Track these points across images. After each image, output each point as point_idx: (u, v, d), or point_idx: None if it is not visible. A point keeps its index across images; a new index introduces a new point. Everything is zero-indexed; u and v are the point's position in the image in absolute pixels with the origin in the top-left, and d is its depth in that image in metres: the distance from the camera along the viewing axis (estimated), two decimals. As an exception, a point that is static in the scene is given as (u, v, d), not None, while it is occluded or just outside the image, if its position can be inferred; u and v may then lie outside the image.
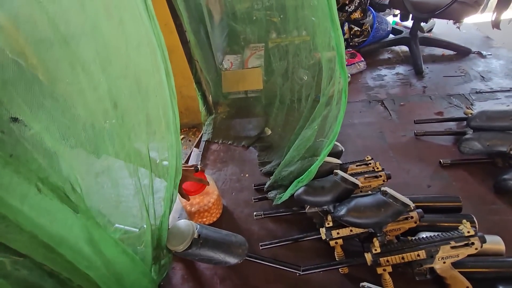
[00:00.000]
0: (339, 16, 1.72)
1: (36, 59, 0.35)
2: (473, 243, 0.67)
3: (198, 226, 0.70)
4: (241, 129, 1.34)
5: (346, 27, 1.70)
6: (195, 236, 0.67)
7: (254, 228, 0.93)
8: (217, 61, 1.45)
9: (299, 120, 1.03)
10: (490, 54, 1.55)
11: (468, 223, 0.69)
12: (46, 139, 0.36)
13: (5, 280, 0.40)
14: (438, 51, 1.65)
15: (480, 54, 1.56)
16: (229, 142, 1.30)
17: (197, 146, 1.34)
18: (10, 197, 0.32)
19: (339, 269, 0.78)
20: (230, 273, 0.83)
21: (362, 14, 1.58)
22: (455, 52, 1.59)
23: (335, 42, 0.51)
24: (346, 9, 1.64)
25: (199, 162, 1.22)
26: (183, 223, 0.71)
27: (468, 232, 0.68)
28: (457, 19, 1.37)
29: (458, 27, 1.46)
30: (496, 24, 1.67)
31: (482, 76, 1.40)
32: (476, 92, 1.31)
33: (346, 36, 1.71)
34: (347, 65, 1.57)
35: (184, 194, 0.84)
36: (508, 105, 1.11)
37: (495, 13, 1.34)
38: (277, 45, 1.41)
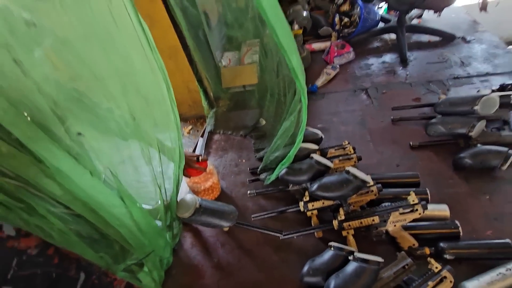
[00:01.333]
0: (330, 8, 1.83)
1: (84, 90, 0.55)
2: (417, 209, 0.83)
3: (200, 199, 0.91)
4: (239, 120, 1.52)
5: (337, 18, 1.80)
6: (197, 206, 0.87)
7: (249, 204, 1.13)
8: (216, 59, 1.61)
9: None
10: (474, 39, 1.61)
11: (414, 193, 0.85)
12: (91, 141, 0.56)
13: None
14: (425, 37, 1.71)
15: (464, 39, 1.62)
16: (229, 132, 1.48)
17: (202, 135, 1.54)
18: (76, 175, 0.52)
19: (315, 234, 0.97)
20: (228, 239, 1.03)
21: (350, 7, 1.68)
22: (440, 38, 1.66)
23: (279, 46, 0.65)
24: (336, 1, 1.74)
25: (203, 152, 1.41)
26: (189, 196, 0.91)
27: (413, 201, 0.84)
28: (437, 9, 1.45)
29: (439, 15, 1.52)
30: (483, 7, 1.71)
31: (462, 62, 1.48)
32: (454, 78, 1.41)
33: (337, 27, 1.81)
34: (336, 56, 1.69)
35: (200, 167, 1.02)
36: (478, 90, 1.20)
37: None
38: (271, 40, 1.53)
